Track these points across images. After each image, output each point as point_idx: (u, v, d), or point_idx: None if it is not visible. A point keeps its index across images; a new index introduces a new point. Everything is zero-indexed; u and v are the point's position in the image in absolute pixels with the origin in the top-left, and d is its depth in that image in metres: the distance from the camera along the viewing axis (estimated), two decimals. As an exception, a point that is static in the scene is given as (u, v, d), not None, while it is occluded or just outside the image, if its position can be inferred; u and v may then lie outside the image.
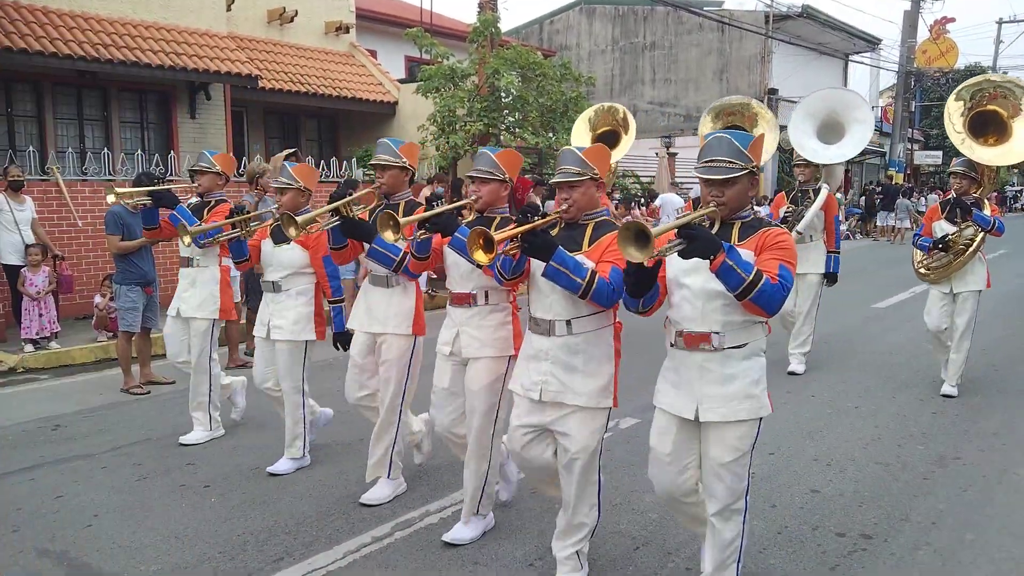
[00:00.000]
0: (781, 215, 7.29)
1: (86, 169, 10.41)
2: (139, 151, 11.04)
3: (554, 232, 3.12)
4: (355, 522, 4.12)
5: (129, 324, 6.59)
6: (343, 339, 4.67)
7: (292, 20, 15.22)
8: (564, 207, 3.28)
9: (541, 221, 3.11)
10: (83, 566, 3.70)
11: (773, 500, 4.42)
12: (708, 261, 2.68)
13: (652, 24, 27.19)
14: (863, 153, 33.91)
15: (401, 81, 17.22)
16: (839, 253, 7.46)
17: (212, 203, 5.40)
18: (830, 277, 7.47)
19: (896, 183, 26.43)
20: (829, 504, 4.38)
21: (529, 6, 61.79)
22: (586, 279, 3.03)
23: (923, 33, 29.43)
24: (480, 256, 2.95)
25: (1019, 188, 44.82)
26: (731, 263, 2.66)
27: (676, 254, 2.71)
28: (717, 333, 2.93)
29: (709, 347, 2.95)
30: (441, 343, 3.92)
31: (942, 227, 6.41)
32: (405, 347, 4.33)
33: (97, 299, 8.42)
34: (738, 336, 2.95)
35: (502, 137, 14.34)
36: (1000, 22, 36.01)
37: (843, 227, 22.18)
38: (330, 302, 4.82)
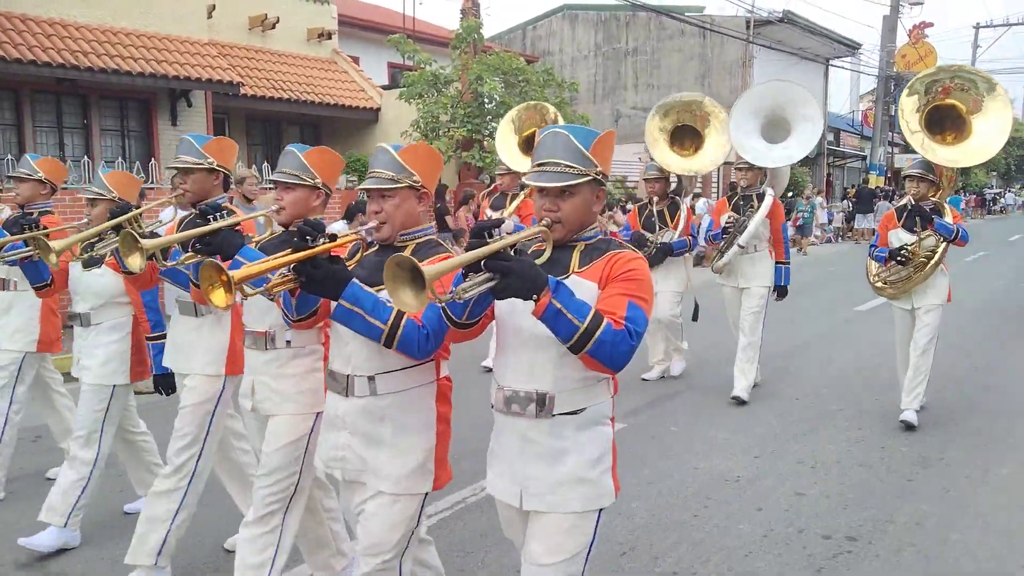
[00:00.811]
0: (723, 224, 6.59)
1: (66, 178, 10.31)
2: (120, 159, 10.97)
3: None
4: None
5: None
6: (164, 382, 3.94)
7: (274, 27, 15.18)
8: (372, 223, 2.54)
9: (332, 244, 2.33)
10: (64, 579, 3.64)
11: (758, 503, 4.43)
12: (531, 302, 2.02)
13: (634, 30, 27.30)
14: (842, 156, 34.30)
15: (384, 87, 17.21)
16: (788, 264, 6.77)
17: (34, 215, 4.33)
18: (780, 291, 6.74)
19: (877, 186, 26.66)
20: (814, 506, 4.40)
21: (511, 12, 61.95)
22: (389, 322, 2.31)
23: (902, 38, 29.74)
24: (218, 297, 2.20)
25: (998, 190, 45.36)
26: (559, 306, 2.00)
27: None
28: (543, 395, 2.23)
29: (533, 413, 2.25)
30: (240, 395, 3.22)
31: (899, 236, 5.72)
32: (210, 391, 3.52)
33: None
34: (573, 399, 2.25)
35: (485, 143, 14.36)
36: (977, 27, 36.47)
37: (817, 232, 22.44)
38: (148, 339, 3.98)
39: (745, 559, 3.79)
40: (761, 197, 6.50)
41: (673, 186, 7.34)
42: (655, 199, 6.97)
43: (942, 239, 5.53)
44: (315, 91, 15.29)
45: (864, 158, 32.36)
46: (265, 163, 13.02)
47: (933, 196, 5.71)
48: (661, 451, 5.31)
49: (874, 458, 5.16)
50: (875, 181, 27.90)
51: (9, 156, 10.12)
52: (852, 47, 29.39)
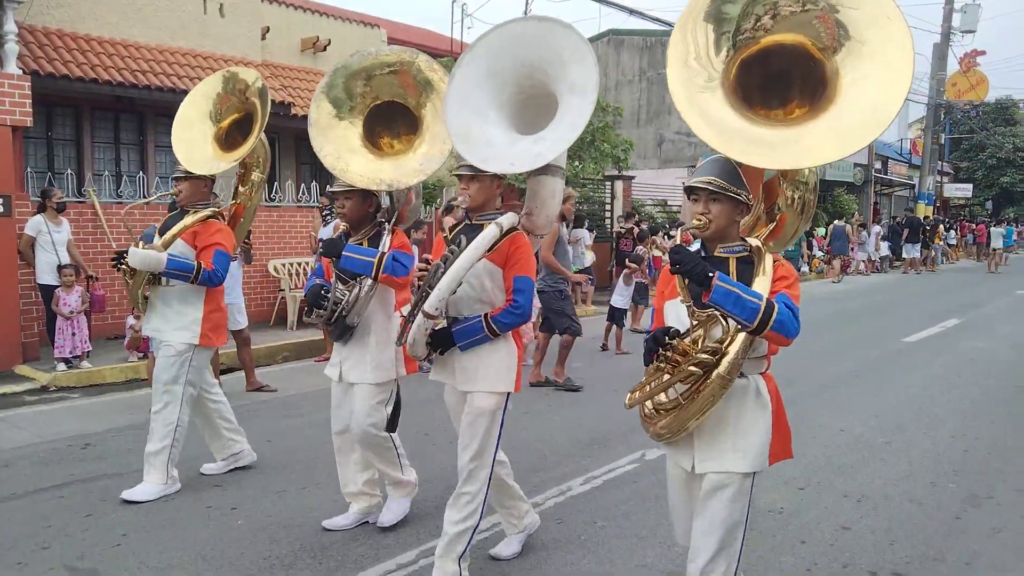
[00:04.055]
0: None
1: (121, 192, 10.63)
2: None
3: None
4: (380, 548, 4.11)
5: None
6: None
7: (325, 49, 15.48)
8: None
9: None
10: (111, 585, 3.72)
11: (802, 536, 4.36)
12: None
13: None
14: (889, 185, 33.73)
15: (431, 109, 17.39)
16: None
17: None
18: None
19: (926, 216, 26.25)
20: (860, 541, 4.31)
21: (557, 36, 62.35)
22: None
23: (953, 66, 29.34)
24: None
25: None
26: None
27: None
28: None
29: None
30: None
31: (677, 311, 2.86)
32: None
33: (131, 320, 8.54)
34: None
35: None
36: (1032, 55, 35.77)
37: (862, 260, 22.06)
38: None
39: (788, 593, 3.72)
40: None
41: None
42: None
43: (742, 325, 2.59)
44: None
45: (912, 187, 31.85)
46: (313, 181, 13.23)
47: (741, 231, 2.93)
48: (702, 479, 5.24)
49: (922, 494, 5.04)
50: (923, 211, 27.45)
51: (69, 171, 10.43)
52: (901, 75, 28.96)
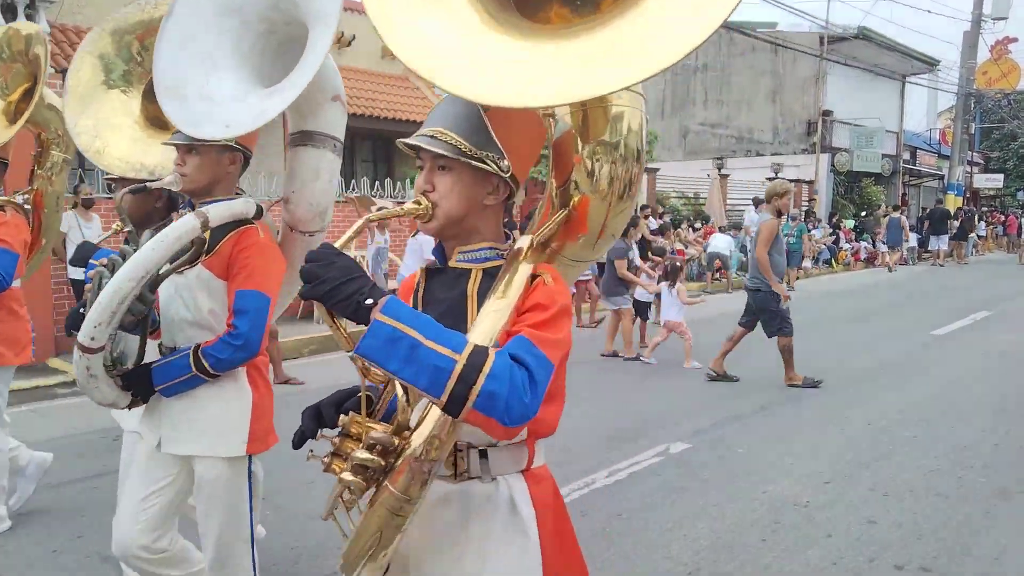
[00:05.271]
0: None
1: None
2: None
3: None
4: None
5: None
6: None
7: (350, 44, 15.56)
8: None
9: None
10: (144, 574, 3.79)
11: (828, 530, 4.34)
12: None
13: (704, 46, 27.06)
14: (918, 175, 33.30)
15: (455, 103, 17.43)
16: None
17: None
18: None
19: (959, 207, 25.91)
20: (887, 535, 4.28)
21: (580, 28, 62.08)
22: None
23: (983, 54, 28.83)
24: None
25: None
26: None
27: None
28: None
29: None
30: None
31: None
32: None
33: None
34: None
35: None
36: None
37: (893, 255, 21.89)
38: None
39: (813, 586, 3.72)
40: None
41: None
42: None
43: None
44: (388, 108, 15.62)
45: (941, 177, 31.39)
46: (387, 178, 13.34)
47: (542, 227, 1.84)
48: (727, 473, 5.24)
49: (950, 488, 4.99)
50: (953, 202, 27.06)
51: (98, 167, 10.58)
52: (930, 64, 28.60)
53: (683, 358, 8.42)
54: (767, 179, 22.76)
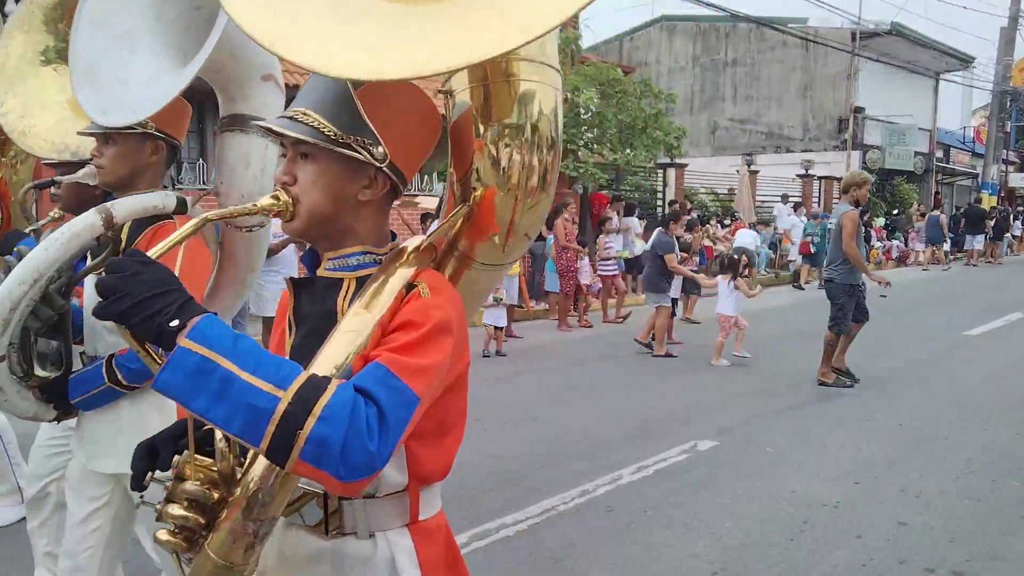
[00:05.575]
0: None
1: (181, 179, 10.90)
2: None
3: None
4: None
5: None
6: None
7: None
8: None
9: None
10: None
11: (858, 530, 4.29)
12: None
13: (734, 41, 26.87)
14: (951, 174, 32.73)
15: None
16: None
17: None
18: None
19: (992, 207, 25.50)
20: (917, 538, 4.23)
21: (609, 24, 61.96)
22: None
23: (1020, 51, 28.30)
24: None
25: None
26: None
27: None
28: None
29: None
30: None
31: None
32: None
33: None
34: None
35: (580, 153, 14.39)
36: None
37: (922, 254, 21.58)
38: None
39: (842, 587, 3.68)
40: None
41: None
42: None
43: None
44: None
45: (975, 176, 30.87)
46: (434, 172, 13.38)
47: (443, 225, 1.58)
48: (755, 472, 5.20)
49: (983, 491, 4.91)
50: (988, 201, 26.61)
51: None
52: (965, 61, 28.14)
53: (712, 354, 8.36)
54: (796, 176, 22.53)
